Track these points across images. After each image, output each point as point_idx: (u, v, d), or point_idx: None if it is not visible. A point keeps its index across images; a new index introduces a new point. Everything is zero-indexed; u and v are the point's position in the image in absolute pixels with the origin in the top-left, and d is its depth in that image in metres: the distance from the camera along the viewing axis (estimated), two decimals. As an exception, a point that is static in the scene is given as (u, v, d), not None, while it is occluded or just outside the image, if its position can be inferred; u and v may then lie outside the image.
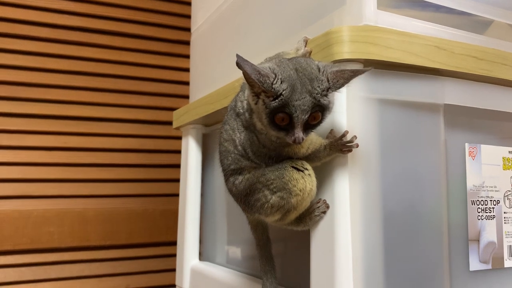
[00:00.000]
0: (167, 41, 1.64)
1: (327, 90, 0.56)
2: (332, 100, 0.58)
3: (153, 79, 1.61)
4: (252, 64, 0.55)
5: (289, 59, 0.59)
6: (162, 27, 1.64)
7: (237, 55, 0.55)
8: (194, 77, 1.23)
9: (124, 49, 1.57)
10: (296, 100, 0.55)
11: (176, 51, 1.65)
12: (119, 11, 1.57)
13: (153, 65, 1.61)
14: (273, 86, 0.55)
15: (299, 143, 0.57)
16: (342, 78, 0.56)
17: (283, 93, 0.55)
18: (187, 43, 1.40)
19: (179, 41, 1.65)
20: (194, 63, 1.24)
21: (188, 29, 1.34)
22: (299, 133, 0.56)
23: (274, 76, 0.55)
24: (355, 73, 0.56)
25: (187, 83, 1.32)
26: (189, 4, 1.34)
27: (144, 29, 1.61)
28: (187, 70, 1.36)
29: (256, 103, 0.58)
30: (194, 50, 1.25)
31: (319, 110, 0.57)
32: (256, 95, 0.58)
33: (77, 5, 1.51)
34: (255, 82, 0.55)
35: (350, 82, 0.56)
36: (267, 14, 0.88)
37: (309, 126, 0.57)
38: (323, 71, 0.57)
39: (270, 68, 0.56)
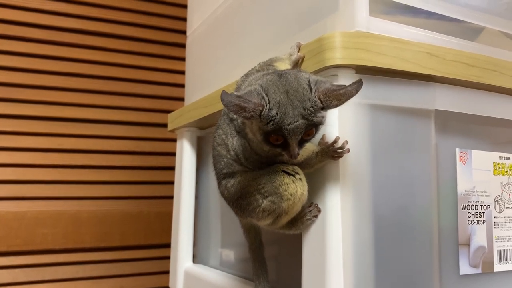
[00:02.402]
0: (162, 44, 1.64)
1: (321, 110, 0.56)
2: (325, 114, 0.57)
3: (149, 82, 1.61)
4: (236, 100, 0.53)
5: (279, 76, 0.58)
6: (158, 30, 1.64)
7: (222, 93, 0.54)
8: (189, 79, 1.24)
9: (119, 51, 1.57)
10: (289, 125, 0.54)
11: (171, 54, 1.65)
12: (114, 13, 1.57)
13: (148, 68, 1.61)
14: (261, 116, 0.54)
15: (295, 158, 0.57)
16: (336, 99, 0.55)
17: (273, 119, 0.55)
18: (182, 45, 1.40)
19: (174, 44, 1.65)
20: (190, 66, 1.25)
21: (184, 32, 1.34)
22: (294, 150, 0.56)
23: (261, 107, 0.54)
24: (349, 95, 0.54)
25: (182, 86, 1.32)
26: (185, 7, 1.34)
27: (139, 31, 1.61)
28: (182, 72, 1.36)
29: (250, 122, 0.58)
30: (190, 52, 1.26)
31: (313, 127, 0.56)
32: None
33: (72, 7, 1.50)
34: (243, 119, 0.55)
35: (345, 103, 0.55)
36: (262, 18, 0.88)
37: (303, 141, 0.57)
38: (315, 90, 0.55)
39: (257, 94, 0.55)
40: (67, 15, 1.50)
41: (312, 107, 0.55)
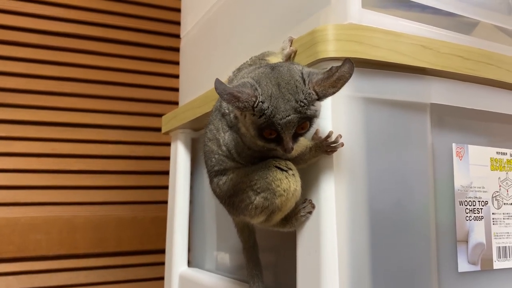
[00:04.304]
0: (157, 48, 1.63)
1: (316, 101, 0.54)
2: (319, 107, 0.56)
3: (143, 86, 1.60)
4: (230, 90, 0.52)
5: (272, 69, 0.57)
6: (152, 34, 1.63)
7: (216, 80, 0.53)
8: (183, 82, 1.23)
9: (113, 56, 1.56)
10: (281, 119, 0.53)
11: (165, 58, 1.64)
12: (108, 17, 1.56)
13: (142, 72, 1.60)
14: (254, 109, 0.53)
15: (290, 152, 0.56)
16: (331, 87, 0.53)
17: (265, 112, 0.53)
18: (176, 49, 1.40)
19: (168, 48, 1.64)
20: (184, 69, 1.24)
21: (177, 36, 1.33)
22: (288, 144, 0.55)
23: (255, 98, 0.53)
24: (344, 80, 0.53)
25: (176, 90, 1.31)
26: (179, 11, 1.34)
27: (134, 36, 1.60)
28: (176, 76, 1.35)
29: (241, 114, 0.57)
30: (184, 55, 1.25)
31: (307, 120, 0.55)
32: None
33: (67, 12, 1.50)
34: (236, 109, 0.54)
35: (341, 89, 0.54)
36: (254, 17, 0.88)
37: (298, 134, 0.56)
38: (308, 82, 0.54)
39: (251, 85, 0.54)
40: (62, 20, 1.49)
41: (306, 99, 0.54)
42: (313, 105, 0.55)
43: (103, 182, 1.50)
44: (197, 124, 1.05)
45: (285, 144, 0.55)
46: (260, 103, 0.53)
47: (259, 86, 0.55)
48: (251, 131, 0.57)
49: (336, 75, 0.53)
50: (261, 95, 0.54)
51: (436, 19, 0.73)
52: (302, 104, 0.54)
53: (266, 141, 0.56)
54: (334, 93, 0.54)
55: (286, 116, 0.53)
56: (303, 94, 0.54)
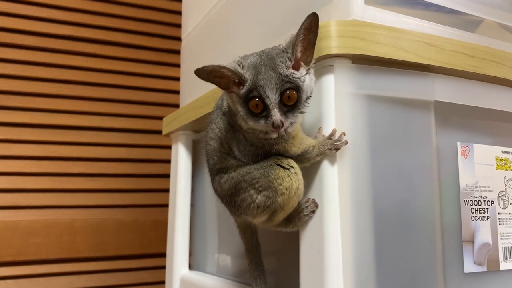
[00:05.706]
0: (157, 50, 1.63)
1: (293, 62, 0.57)
2: (308, 81, 0.57)
3: (143, 88, 1.59)
4: (212, 65, 0.56)
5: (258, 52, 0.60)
6: (152, 36, 1.63)
7: (196, 70, 0.56)
8: (184, 85, 1.22)
9: (113, 58, 1.55)
10: (261, 80, 0.55)
11: (166, 60, 1.64)
12: (108, 20, 1.56)
13: (143, 74, 1.60)
14: (238, 71, 0.56)
15: (278, 126, 0.55)
16: (303, 35, 0.56)
17: (248, 77, 0.56)
18: (177, 52, 1.39)
19: (169, 50, 1.64)
20: (184, 71, 1.23)
21: (178, 38, 1.33)
22: (276, 115, 0.55)
23: (238, 65, 0.57)
24: (311, 24, 0.56)
25: (177, 92, 1.30)
26: (179, 13, 1.33)
27: (134, 38, 1.60)
28: (177, 79, 1.34)
29: (232, 100, 0.58)
30: (184, 57, 1.24)
31: (292, 88, 0.56)
32: (229, 92, 0.58)
33: (66, 14, 1.49)
34: (225, 74, 0.57)
35: (313, 38, 0.57)
36: (256, 15, 0.87)
37: (287, 109, 0.56)
38: (286, 47, 0.57)
39: (233, 61, 0.58)
40: (61, 22, 1.49)
41: (283, 58, 0.56)
42: (298, 71, 0.57)
43: (103, 185, 1.49)
44: (198, 125, 1.04)
45: (272, 115, 0.55)
46: (242, 68, 0.56)
47: (241, 59, 0.58)
48: (240, 111, 0.57)
49: (302, 28, 0.56)
50: (243, 63, 0.57)
51: (440, 16, 0.73)
52: (280, 66, 0.56)
53: (255, 119, 0.56)
54: (310, 40, 0.57)
55: (267, 76, 0.55)
56: (279, 57, 0.57)
